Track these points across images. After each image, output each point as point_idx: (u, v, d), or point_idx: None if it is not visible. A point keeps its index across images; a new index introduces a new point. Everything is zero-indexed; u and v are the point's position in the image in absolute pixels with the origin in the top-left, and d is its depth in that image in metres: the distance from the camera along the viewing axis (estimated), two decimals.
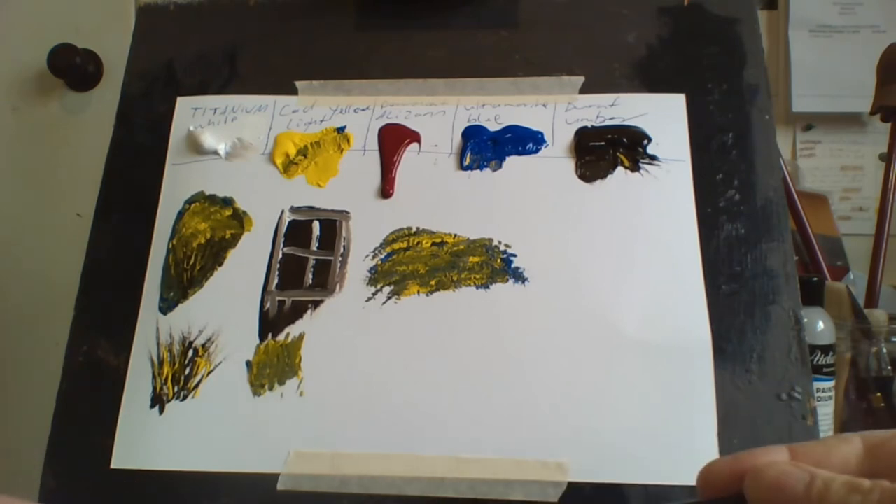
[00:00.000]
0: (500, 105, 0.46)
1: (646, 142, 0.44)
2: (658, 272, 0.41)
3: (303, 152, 0.46)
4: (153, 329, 0.43)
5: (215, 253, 0.44)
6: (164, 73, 0.50)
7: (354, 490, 0.39)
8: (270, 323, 0.42)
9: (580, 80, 0.46)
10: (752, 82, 0.46)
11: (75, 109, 0.61)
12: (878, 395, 0.53)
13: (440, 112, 0.47)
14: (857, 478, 0.19)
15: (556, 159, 0.45)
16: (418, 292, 0.42)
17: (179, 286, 0.44)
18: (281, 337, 0.42)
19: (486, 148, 0.45)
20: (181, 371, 0.42)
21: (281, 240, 0.44)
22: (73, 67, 0.58)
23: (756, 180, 0.43)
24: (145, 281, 0.44)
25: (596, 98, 0.46)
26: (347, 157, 0.46)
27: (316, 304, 0.43)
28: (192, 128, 0.47)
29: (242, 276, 0.44)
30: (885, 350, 0.54)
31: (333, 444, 0.40)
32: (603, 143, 0.44)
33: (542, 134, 0.45)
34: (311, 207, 0.45)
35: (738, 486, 0.22)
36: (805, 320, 0.41)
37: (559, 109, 0.46)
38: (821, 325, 0.50)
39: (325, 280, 0.43)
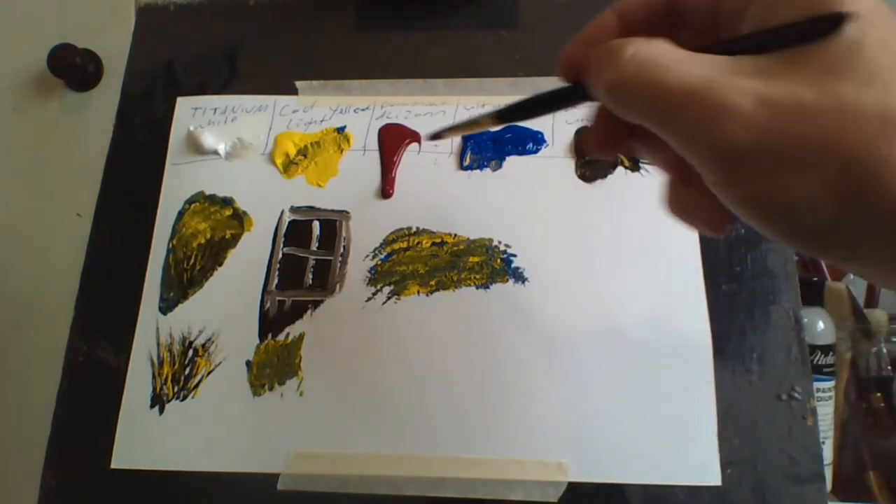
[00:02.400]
0: (500, 105, 0.46)
1: None
2: (658, 272, 0.41)
3: (303, 152, 0.46)
4: (153, 329, 0.43)
5: (215, 253, 0.44)
6: (164, 73, 0.50)
7: (354, 490, 0.39)
8: (270, 323, 0.42)
9: None
10: None
11: (75, 109, 0.61)
12: (878, 395, 0.53)
13: (440, 112, 0.47)
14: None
15: (556, 159, 0.45)
16: (418, 292, 0.42)
17: (179, 286, 0.44)
18: (281, 337, 0.42)
19: (485, 148, 0.45)
20: (181, 371, 0.42)
21: (281, 240, 0.44)
22: (73, 67, 0.58)
23: None
24: (145, 281, 0.44)
25: None
26: (347, 157, 0.46)
27: (316, 304, 0.43)
28: (192, 128, 0.47)
29: (242, 276, 0.44)
30: (885, 350, 0.54)
31: (333, 444, 0.40)
32: None
33: (542, 134, 0.45)
34: (311, 207, 0.45)
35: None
36: (805, 320, 0.41)
37: None
38: (821, 325, 0.50)
39: (325, 280, 0.43)
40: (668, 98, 0.17)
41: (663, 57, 0.17)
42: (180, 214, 0.46)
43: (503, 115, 0.29)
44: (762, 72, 0.16)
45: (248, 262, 0.44)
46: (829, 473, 0.49)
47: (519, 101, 0.27)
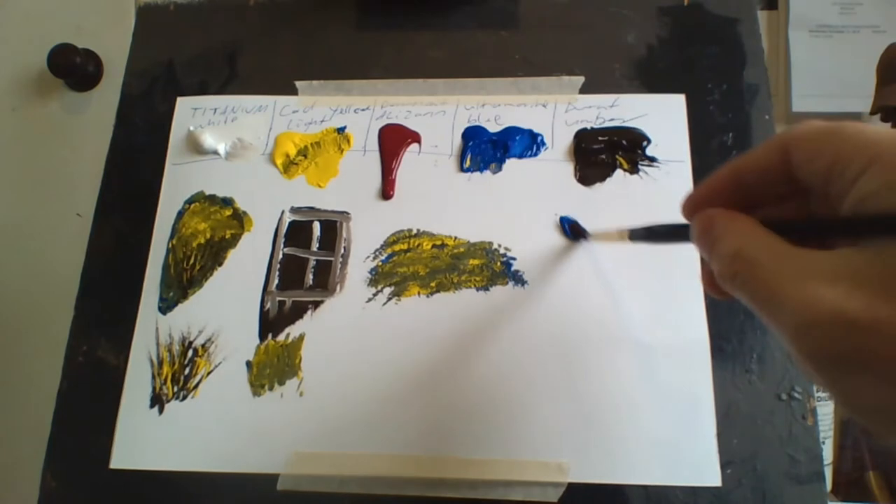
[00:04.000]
0: (500, 105, 0.46)
1: (645, 144, 0.44)
2: (657, 273, 0.41)
3: (303, 152, 0.46)
4: (153, 329, 0.43)
5: (215, 253, 0.44)
6: (164, 73, 0.50)
7: (354, 490, 0.39)
8: (270, 323, 0.42)
9: (580, 80, 0.46)
10: (752, 82, 0.46)
11: (75, 109, 0.61)
12: None
13: (440, 112, 0.47)
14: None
15: (555, 162, 0.45)
16: (419, 294, 0.42)
17: (179, 286, 0.44)
18: (281, 337, 0.42)
19: (486, 150, 0.45)
20: (181, 371, 0.42)
21: (281, 240, 0.44)
22: (73, 67, 0.58)
23: None
24: (145, 281, 0.44)
25: (596, 98, 0.46)
26: (348, 157, 0.46)
27: (316, 304, 0.43)
28: (192, 128, 0.47)
29: (242, 276, 0.44)
30: None
31: (333, 444, 0.40)
32: (602, 145, 0.44)
33: (541, 136, 0.45)
34: (311, 208, 0.45)
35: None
36: None
37: (559, 110, 0.46)
38: None
39: (326, 281, 0.43)
40: (763, 299, 0.19)
41: (761, 257, 0.19)
42: (180, 214, 0.46)
43: (633, 236, 0.34)
44: (849, 275, 0.17)
45: (248, 262, 0.44)
46: (829, 473, 0.49)
47: (650, 229, 0.32)
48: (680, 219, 0.26)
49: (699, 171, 0.43)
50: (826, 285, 0.17)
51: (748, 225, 0.21)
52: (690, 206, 0.25)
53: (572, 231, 0.43)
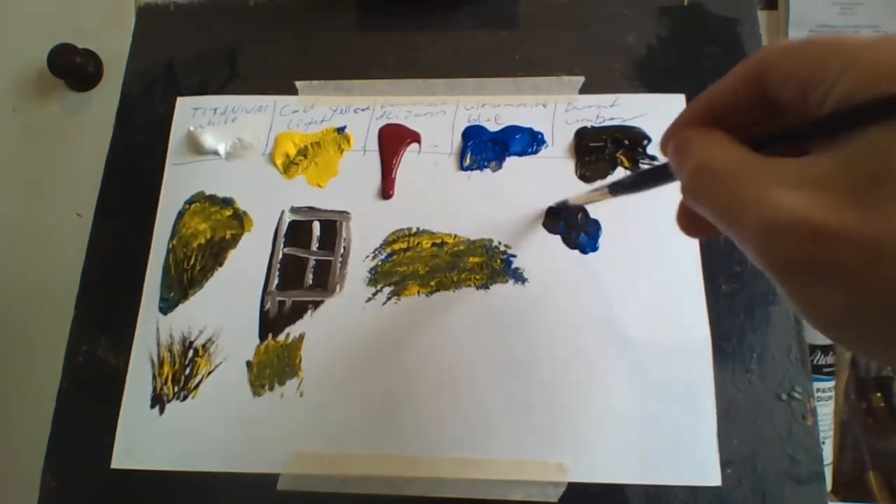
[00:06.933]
0: (500, 105, 0.46)
1: (646, 142, 0.44)
2: (658, 272, 0.41)
3: (303, 152, 0.46)
4: (153, 329, 0.43)
5: (215, 253, 0.44)
6: (164, 73, 0.50)
7: (354, 490, 0.39)
8: (271, 323, 0.42)
9: (580, 80, 0.46)
10: None
11: (75, 109, 0.61)
12: (878, 395, 0.53)
13: (440, 112, 0.47)
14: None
15: (556, 160, 0.45)
16: (418, 293, 0.42)
17: (179, 286, 0.44)
18: (281, 337, 0.42)
19: (486, 148, 0.45)
20: (181, 371, 0.42)
21: (281, 240, 0.44)
22: (73, 67, 0.58)
23: None
24: (145, 281, 0.44)
25: (596, 98, 0.46)
26: (347, 157, 0.46)
27: (316, 304, 0.43)
28: (192, 128, 0.47)
29: (242, 276, 0.44)
30: None
31: (333, 444, 0.40)
32: (603, 143, 0.44)
33: (542, 134, 0.45)
34: (311, 208, 0.45)
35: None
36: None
37: (559, 109, 0.46)
38: None
39: (326, 280, 0.43)
40: (724, 206, 0.18)
41: (723, 166, 0.19)
42: (180, 214, 0.46)
43: (615, 189, 0.33)
44: (816, 180, 0.16)
45: (249, 262, 0.44)
46: (829, 473, 0.49)
47: (630, 176, 0.31)
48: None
49: None
50: (791, 191, 0.16)
51: (715, 138, 0.20)
52: (668, 141, 0.24)
53: (552, 214, 0.43)
